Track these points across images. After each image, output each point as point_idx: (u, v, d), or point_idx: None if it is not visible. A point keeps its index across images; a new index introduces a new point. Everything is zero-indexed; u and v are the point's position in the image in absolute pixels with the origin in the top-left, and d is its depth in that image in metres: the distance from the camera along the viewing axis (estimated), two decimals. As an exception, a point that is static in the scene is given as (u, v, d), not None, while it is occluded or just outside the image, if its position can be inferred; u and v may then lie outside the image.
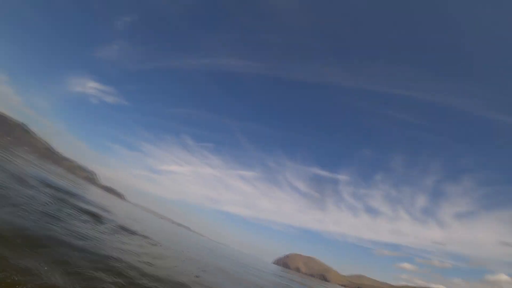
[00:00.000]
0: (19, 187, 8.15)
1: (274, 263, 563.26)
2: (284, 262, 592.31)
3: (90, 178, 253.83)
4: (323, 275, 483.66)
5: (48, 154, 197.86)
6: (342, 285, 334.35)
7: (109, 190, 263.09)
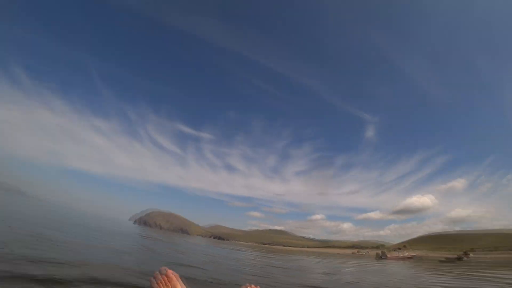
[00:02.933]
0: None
1: (133, 221, 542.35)
2: (143, 220, 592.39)
3: None
4: (184, 228, 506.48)
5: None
6: (202, 236, 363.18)
7: None
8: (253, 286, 2.06)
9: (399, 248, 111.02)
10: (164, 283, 1.40)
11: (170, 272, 1.49)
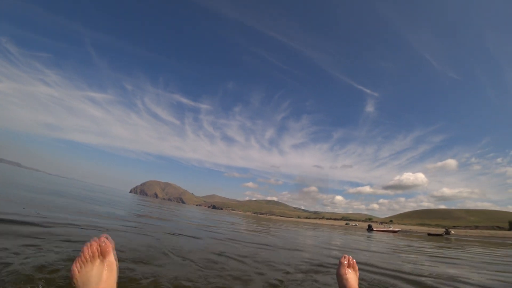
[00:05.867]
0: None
1: (131, 191, 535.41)
2: (141, 190, 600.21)
3: None
4: (180, 198, 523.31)
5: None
6: (197, 205, 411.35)
7: None
8: (350, 257, 2.15)
9: (386, 223, 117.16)
10: (94, 248, 1.27)
11: (104, 238, 1.32)
